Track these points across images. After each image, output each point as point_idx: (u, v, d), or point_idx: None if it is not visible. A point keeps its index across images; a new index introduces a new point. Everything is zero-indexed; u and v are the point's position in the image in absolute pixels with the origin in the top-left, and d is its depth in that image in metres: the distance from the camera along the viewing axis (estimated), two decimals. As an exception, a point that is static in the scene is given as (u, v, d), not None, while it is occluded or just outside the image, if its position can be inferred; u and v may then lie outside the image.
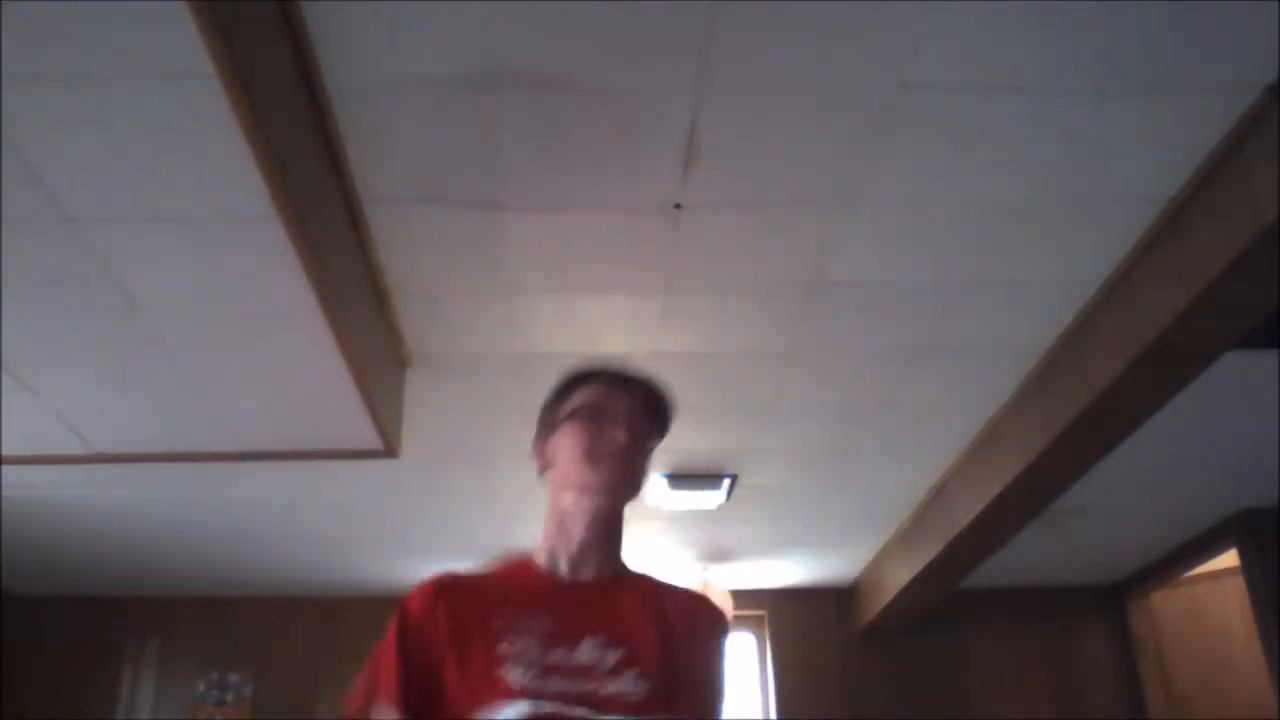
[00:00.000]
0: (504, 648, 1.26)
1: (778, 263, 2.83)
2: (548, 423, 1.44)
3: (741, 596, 5.55)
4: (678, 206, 2.57)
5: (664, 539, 4.99)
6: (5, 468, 3.73)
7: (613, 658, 1.26)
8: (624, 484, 1.37)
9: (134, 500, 4.35)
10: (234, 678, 5.58)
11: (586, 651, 1.26)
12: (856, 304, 3.02)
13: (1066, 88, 2.20)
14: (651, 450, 1.42)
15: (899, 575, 4.99)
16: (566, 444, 1.39)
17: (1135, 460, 3.70)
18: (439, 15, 1.97)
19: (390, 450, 3.32)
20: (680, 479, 4.25)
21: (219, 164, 2.05)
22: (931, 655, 5.65)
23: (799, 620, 5.75)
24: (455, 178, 2.45)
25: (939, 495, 4.43)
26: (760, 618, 5.79)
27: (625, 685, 1.24)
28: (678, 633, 1.32)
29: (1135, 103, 2.26)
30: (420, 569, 6.02)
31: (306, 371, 2.90)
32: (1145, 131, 2.35)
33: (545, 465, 1.43)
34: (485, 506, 4.48)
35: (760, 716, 5.65)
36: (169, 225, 2.32)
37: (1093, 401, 3.05)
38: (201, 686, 5.55)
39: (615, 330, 3.15)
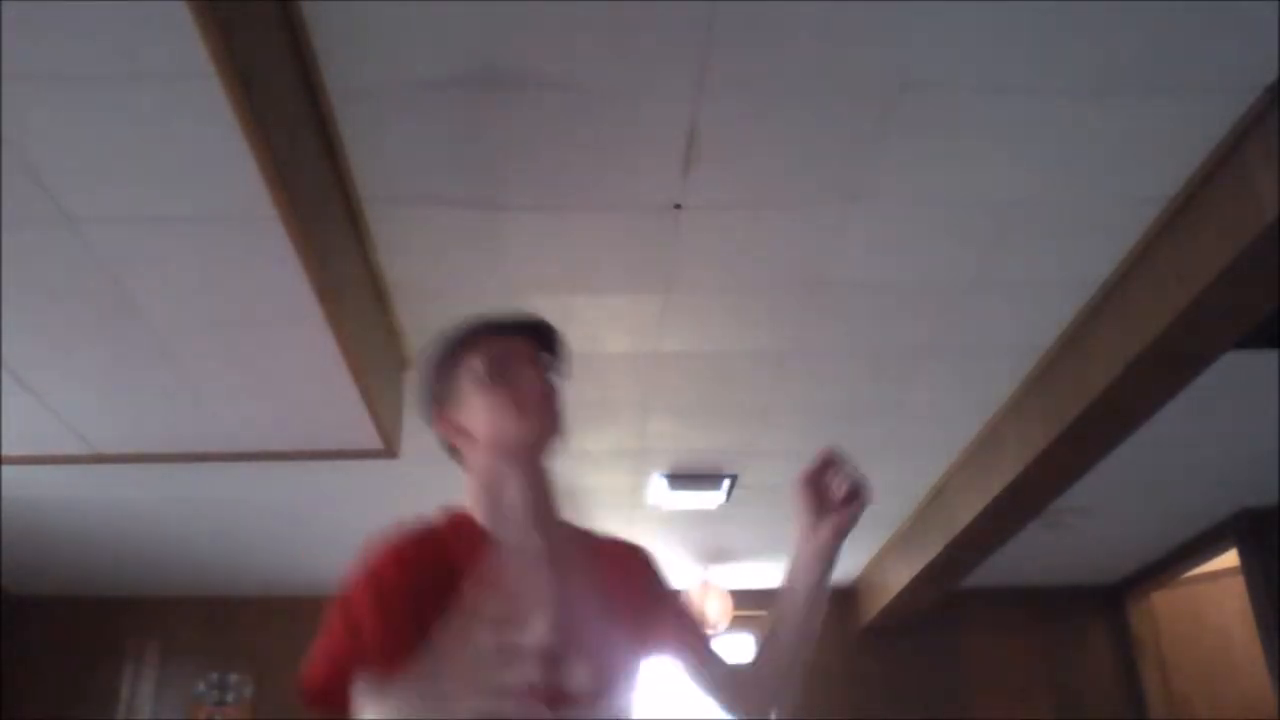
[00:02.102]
0: (467, 634, 1.19)
1: (778, 263, 2.83)
2: (443, 393, 1.33)
3: (741, 596, 5.55)
4: (678, 206, 2.57)
5: (664, 539, 4.99)
6: (5, 468, 3.73)
7: (567, 641, 1.21)
8: (555, 428, 1.29)
9: (134, 500, 4.35)
10: (234, 678, 5.57)
11: (538, 632, 1.20)
12: (856, 304, 3.02)
13: (1066, 88, 2.20)
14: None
15: (899, 575, 4.99)
16: (483, 404, 1.28)
17: (1135, 460, 3.70)
18: (439, 15, 1.98)
19: (390, 450, 3.32)
20: (680, 479, 4.24)
21: (219, 164, 2.05)
22: (932, 655, 5.65)
23: (799, 620, 5.74)
24: (455, 178, 2.45)
25: (939, 495, 4.43)
26: (760, 618, 5.79)
27: (578, 677, 1.20)
28: (619, 595, 1.31)
29: (1135, 103, 2.26)
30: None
31: (306, 371, 2.90)
32: (1145, 131, 2.35)
33: (457, 437, 1.32)
34: (485, 506, 4.47)
35: (760, 716, 5.64)
36: (169, 225, 2.33)
37: (1093, 402, 3.05)
38: (201, 686, 5.55)
39: (615, 330, 3.15)
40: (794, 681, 1.37)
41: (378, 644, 1.17)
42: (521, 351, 1.32)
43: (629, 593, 1.34)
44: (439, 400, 1.34)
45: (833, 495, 1.33)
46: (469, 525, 1.31)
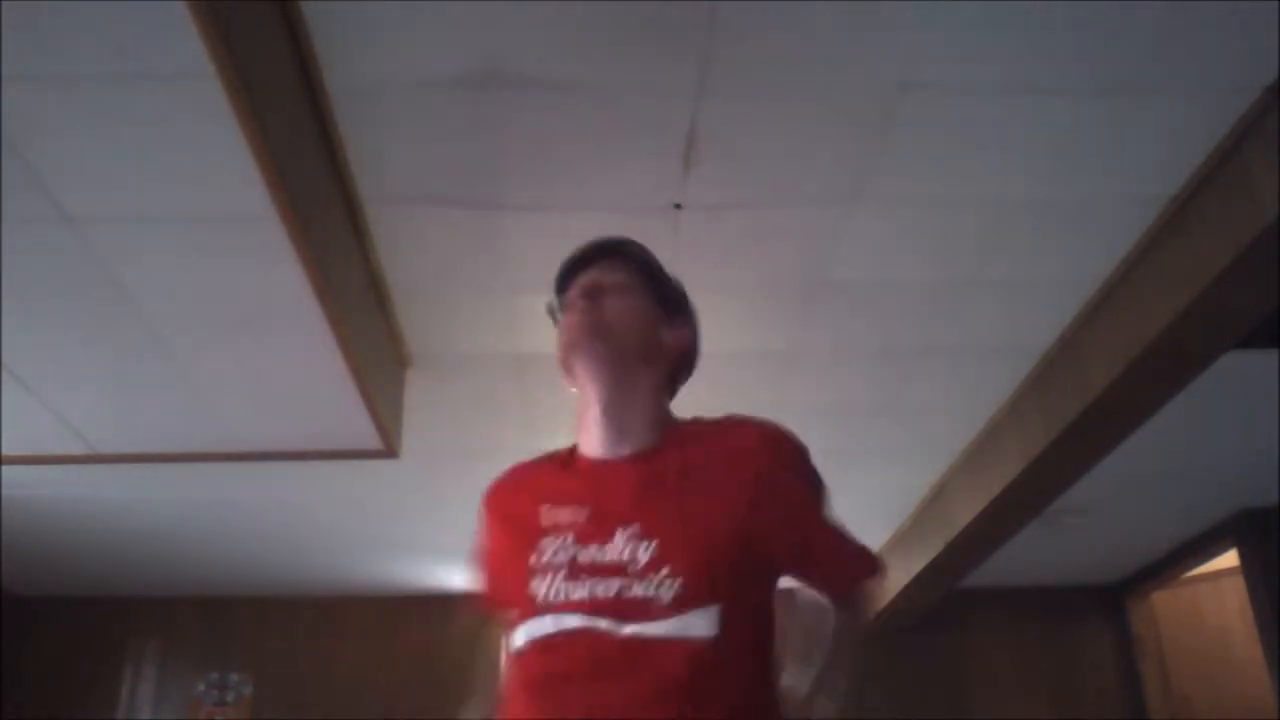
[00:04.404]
0: (533, 559, 1.25)
1: (778, 263, 2.83)
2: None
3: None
4: (678, 206, 2.57)
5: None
6: (5, 468, 3.73)
7: (645, 554, 1.19)
8: (586, 348, 1.34)
9: (134, 500, 4.35)
10: (234, 678, 5.58)
11: (619, 546, 1.20)
12: (856, 304, 3.02)
13: (1066, 88, 2.20)
14: (630, 290, 1.41)
15: (899, 575, 4.99)
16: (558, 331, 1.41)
17: (1135, 460, 3.70)
18: (439, 15, 1.98)
19: (390, 450, 3.32)
20: (680, 479, 4.24)
21: (219, 164, 2.05)
22: (931, 655, 5.65)
23: (799, 620, 5.74)
24: (455, 178, 2.45)
25: (939, 495, 4.43)
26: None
27: (653, 589, 1.17)
28: (724, 493, 1.25)
29: (1135, 103, 2.26)
30: (420, 569, 6.01)
31: (306, 372, 2.90)
32: (1145, 131, 2.35)
33: (565, 374, 1.40)
34: (485, 506, 4.47)
35: (760, 716, 5.64)
36: (169, 225, 2.32)
37: (1093, 401, 3.05)
38: (201, 686, 5.55)
39: (615, 330, 3.15)
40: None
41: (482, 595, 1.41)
42: (579, 286, 1.42)
43: (730, 501, 1.25)
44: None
45: None
46: (568, 453, 1.39)
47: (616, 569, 1.19)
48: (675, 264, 2.81)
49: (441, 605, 5.60)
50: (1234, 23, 2.03)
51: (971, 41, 2.07)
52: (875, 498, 4.56)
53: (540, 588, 1.22)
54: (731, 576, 1.20)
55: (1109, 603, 5.86)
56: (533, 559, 1.25)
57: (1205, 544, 5.09)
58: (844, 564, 1.34)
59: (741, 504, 1.24)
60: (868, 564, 1.36)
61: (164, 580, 5.48)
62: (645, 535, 1.21)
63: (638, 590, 1.17)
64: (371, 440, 3.23)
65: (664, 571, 1.18)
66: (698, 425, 1.36)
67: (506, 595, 1.30)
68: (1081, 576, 5.76)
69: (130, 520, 4.59)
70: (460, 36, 2.03)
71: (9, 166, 2.06)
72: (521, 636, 1.23)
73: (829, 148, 2.37)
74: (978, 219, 2.65)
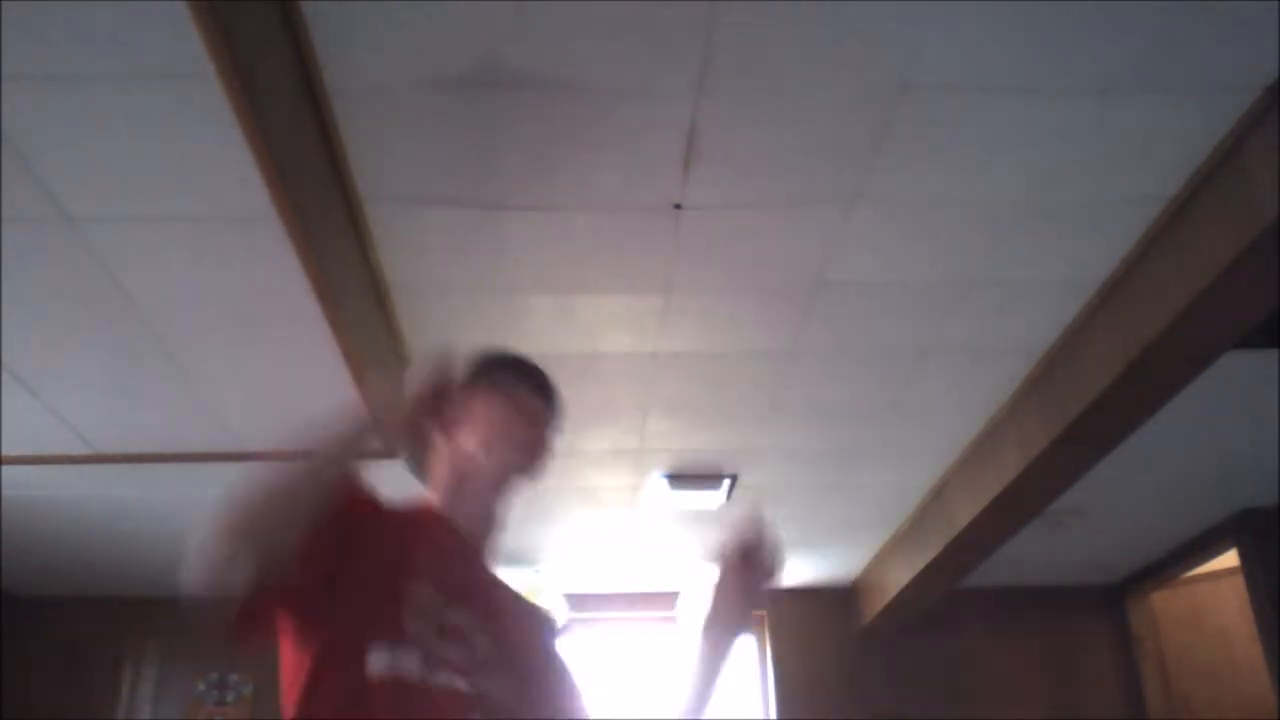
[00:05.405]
0: (411, 587, 1.23)
1: (778, 263, 2.83)
2: (450, 403, 1.47)
3: (741, 596, 5.53)
4: (678, 206, 2.58)
5: (664, 539, 4.99)
6: (5, 468, 3.73)
7: (488, 642, 1.26)
8: (537, 453, 1.42)
9: (134, 500, 4.35)
10: (234, 678, 5.57)
11: (479, 622, 1.27)
12: (856, 304, 3.02)
13: (1066, 88, 2.20)
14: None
15: (899, 575, 4.99)
16: (488, 406, 1.42)
17: (1135, 460, 3.70)
18: (439, 15, 1.98)
19: (390, 450, 3.32)
20: (680, 479, 4.24)
21: (219, 164, 2.05)
22: (931, 655, 5.65)
23: (799, 620, 5.75)
24: (455, 178, 2.45)
25: (939, 495, 4.43)
26: (760, 618, 5.79)
27: (499, 674, 1.25)
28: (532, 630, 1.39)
29: (1135, 103, 2.26)
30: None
31: (306, 371, 2.90)
32: (1145, 131, 2.35)
33: (448, 423, 1.45)
34: (485, 506, 4.47)
35: (760, 716, 5.65)
36: (169, 225, 2.33)
37: (1093, 401, 3.05)
38: (201, 686, 5.55)
39: (615, 330, 3.15)
40: None
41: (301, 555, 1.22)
42: (536, 403, 1.46)
43: (531, 641, 1.38)
44: (441, 401, 1.44)
45: (758, 570, 1.35)
46: (430, 512, 1.42)
47: (472, 644, 1.24)
48: (675, 264, 2.82)
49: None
50: (1234, 23, 2.03)
51: (971, 41, 2.07)
52: (875, 498, 4.56)
53: (411, 622, 1.20)
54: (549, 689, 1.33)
55: (1109, 603, 5.85)
56: (410, 587, 1.23)
57: (1205, 544, 5.09)
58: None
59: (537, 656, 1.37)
60: None
61: (164, 580, 5.47)
62: (488, 623, 1.28)
63: (486, 678, 1.23)
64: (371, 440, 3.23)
65: (507, 660, 1.27)
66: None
67: (365, 608, 1.21)
68: (1081, 576, 5.76)
69: (130, 520, 4.58)
70: (460, 36, 2.03)
71: (9, 166, 2.06)
72: (384, 661, 1.16)
73: (829, 148, 2.37)
74: (978, 219, 2.65)
